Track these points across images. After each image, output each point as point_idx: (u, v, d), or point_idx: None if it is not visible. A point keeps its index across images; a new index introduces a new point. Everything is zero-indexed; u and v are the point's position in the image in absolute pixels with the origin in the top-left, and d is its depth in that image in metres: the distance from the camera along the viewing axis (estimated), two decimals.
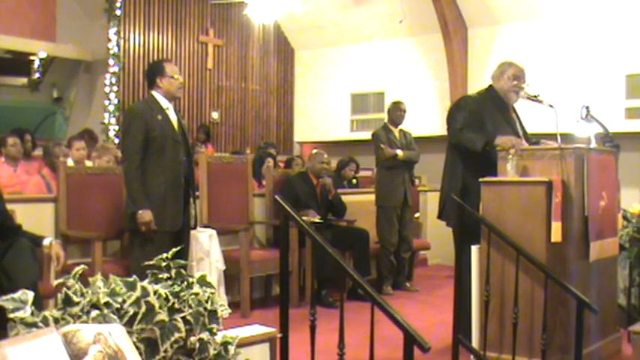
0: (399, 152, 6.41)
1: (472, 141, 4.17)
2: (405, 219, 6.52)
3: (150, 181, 4.26)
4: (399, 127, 6.62)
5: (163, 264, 2.11)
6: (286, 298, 2.95)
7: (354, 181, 8.42)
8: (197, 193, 5.64)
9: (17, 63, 10.15)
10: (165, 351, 1.92)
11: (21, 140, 6.75)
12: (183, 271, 2.12)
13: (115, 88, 9.40)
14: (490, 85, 4.50)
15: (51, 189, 5.52)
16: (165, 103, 4.38)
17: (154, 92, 4.42)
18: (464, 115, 4.29)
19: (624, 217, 4.70)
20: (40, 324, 1.77)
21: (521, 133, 4.42)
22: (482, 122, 4.27)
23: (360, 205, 6.75)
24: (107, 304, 1.89)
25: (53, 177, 5.60)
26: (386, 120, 6.72)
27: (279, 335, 2.70)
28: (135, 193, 4.24)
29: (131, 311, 1.89)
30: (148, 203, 4.21)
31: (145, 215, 4.20)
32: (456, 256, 4.44)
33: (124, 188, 4.83)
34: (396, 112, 6.61)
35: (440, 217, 4.57)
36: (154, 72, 4.45)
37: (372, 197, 6.63)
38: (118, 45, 9.46)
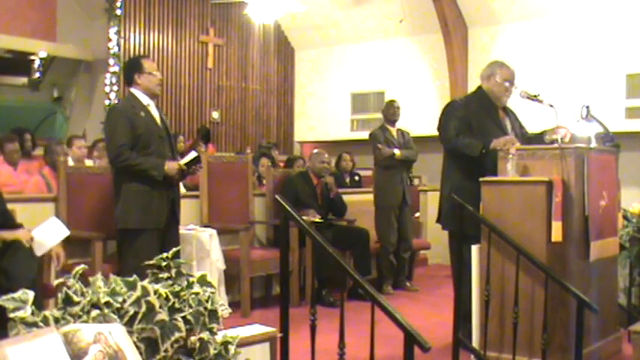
0: (397, 151, 6.40)
1: (469, 147, 4.23)
2: (404, 218, 6.52)
3: (135, 178, 4.20)
4: (397, 126, 6.62)
5: (163, 263, 2.11)
6: (286, 297, 2.95)
7: (356, 177, 8.39)
8: (197, 193, 5.68)
9: (17, 62, 10.14)
10: (166, 350, 1.92)
11: (21, 140, 6.74)
12: (183, 271, 2.12)
13: (115, 88, 9.40)
14: (479, 87, 4.51)
15: (51, 188, 5.52)
16: (146, 100, 4.30)
17: (133, 90, 4.33)
18: (455, 122, 4.34)
19: (624, 217, 4.70)
20: (41, 323, 1.77)
21: (512, 133, 4.41)
22: (469, 127, 4.32)
23: (361, 204, 6.74)
24: (107, 304, 1.89)
25: (53, 176, 5.60)
26: (382, 120, 6.72)
27: (279, 335, 2.70)
28: (145, 165, 4.16)
29: (131, 311, 1.89)
30: (160, 161, 4.20)
31: (170, 167, 4.20)
32: (451, 258, 4.49)
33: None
34: (390, 109, 6.60)
35: (438, 220, 4.60)
36: (132, 69, 4.34)
37: (372, 197, 6.63)
38: (118, 45, 9.47)
